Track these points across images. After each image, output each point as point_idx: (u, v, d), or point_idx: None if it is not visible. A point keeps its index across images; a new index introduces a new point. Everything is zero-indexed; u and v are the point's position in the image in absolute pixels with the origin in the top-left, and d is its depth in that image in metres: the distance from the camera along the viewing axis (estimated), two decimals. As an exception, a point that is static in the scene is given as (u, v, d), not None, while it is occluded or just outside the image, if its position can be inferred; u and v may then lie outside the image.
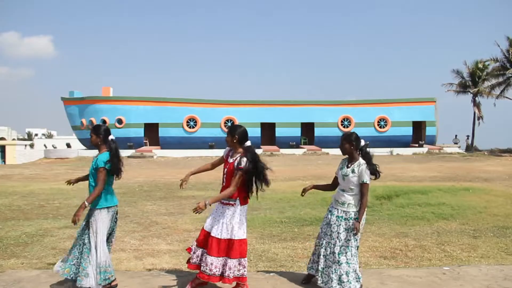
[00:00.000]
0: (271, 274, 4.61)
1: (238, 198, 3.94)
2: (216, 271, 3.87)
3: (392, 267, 4.97)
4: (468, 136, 36.97)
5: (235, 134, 3.98)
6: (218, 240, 3.90)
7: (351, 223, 3.98)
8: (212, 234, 3.92)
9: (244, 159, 3.88)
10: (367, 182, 3.98)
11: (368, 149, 4.18)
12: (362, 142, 4.11)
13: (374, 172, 4.08)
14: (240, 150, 3.97)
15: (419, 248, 5.86)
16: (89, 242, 4.00)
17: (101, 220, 4.03)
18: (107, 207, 4.09)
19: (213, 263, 3.87)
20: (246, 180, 3.93)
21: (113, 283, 4.06)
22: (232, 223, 3.91)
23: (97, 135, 4.13)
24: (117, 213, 4.29)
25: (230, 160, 4.00)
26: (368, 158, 4.10)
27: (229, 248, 3.89)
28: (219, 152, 4.53)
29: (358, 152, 4.11)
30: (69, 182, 4.54)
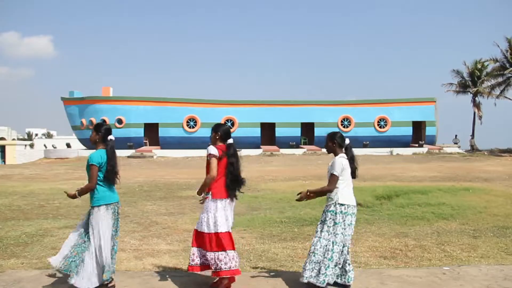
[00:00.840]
0: (271, 274, 4.61)
1: (210, 192, 4.08)
2: (212, 263, 4.03)
3: (392, 267, 4.97)
4: (472, 135, 36.36)
5: (219, 131, 4.19)
6: (202, 234, 4.07)
7: (328, 215, 4.08)
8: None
9: (213, 148, 4.09)
10: (334, 173, 4.07)
11: (353, 150, 4.34)
12: (347, 141, 4.26)
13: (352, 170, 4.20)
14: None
15: (419, 248, 5.86)
16: (89, 242, 3.99)
17: (101, 218, 4.01)
18: (106, 204, 4.06)
19: (207, 257, 4.06)
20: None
21: (109, 284, 4.04)
22: (207, 217, 4.04)
23: (97, 133, 4.16)
24: (118, 210, 4.24)
25: None
26: (350, 156, 4.23)
27: (214, 241, 4.02)
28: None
29: (342, 151, 4.24)
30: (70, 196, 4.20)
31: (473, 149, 33.94)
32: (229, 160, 4.12)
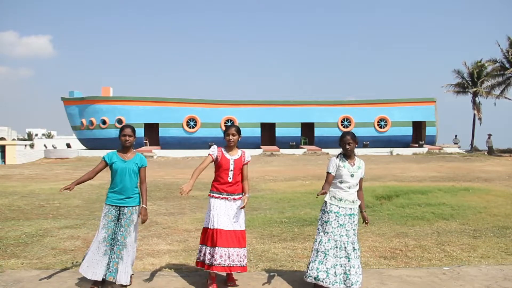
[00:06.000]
0: (271, 274, 4.61)
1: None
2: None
3: (392, 267, 4.97)
4: (489, 134, 31.25)
5: (240, 134, 4.59)
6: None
7: (357, 218, 4.21)
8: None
9: (248, 154, 4.58)
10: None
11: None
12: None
13: None
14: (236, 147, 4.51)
15: (419, 248, 5.86)
16: (124, 239, 4.17)
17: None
18: None
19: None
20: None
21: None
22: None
23: (135, 136, 4.39)
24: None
25: (234, 157, 4.40)
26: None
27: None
28: (219, 152, 4.59)
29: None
30: (67, 188, 4.18)
31: (491, 150, 30.92)
32: None
